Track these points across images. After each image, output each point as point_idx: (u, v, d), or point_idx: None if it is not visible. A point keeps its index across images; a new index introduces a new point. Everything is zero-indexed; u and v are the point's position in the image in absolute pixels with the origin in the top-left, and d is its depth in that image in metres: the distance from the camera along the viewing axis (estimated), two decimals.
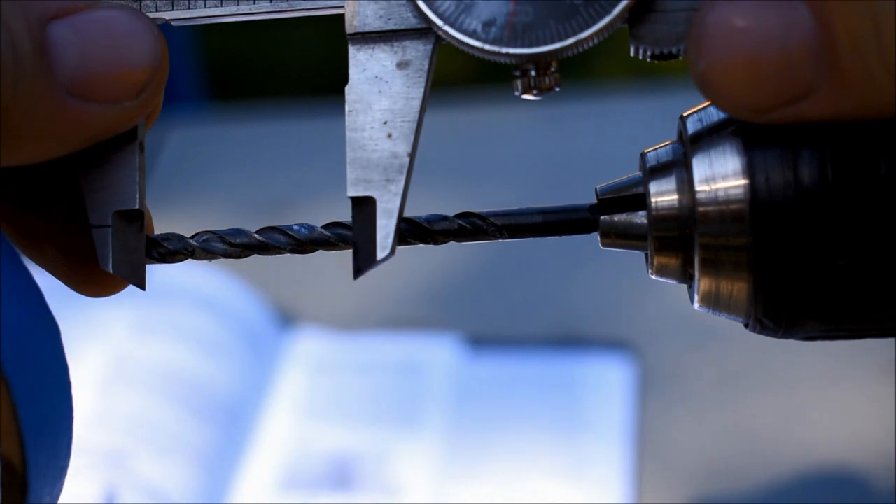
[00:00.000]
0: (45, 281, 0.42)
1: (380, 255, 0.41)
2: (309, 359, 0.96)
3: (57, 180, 0.43)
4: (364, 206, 0.41)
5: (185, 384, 0.91)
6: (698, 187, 0.41)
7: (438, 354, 0.96)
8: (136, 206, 0.42)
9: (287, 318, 0.99)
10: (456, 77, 1.96)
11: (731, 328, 1.03)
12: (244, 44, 2.25)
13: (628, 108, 1.21)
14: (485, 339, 0.97)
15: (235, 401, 0.92)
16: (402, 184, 0.41)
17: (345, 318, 0.99)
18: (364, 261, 0.41)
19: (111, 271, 0.42)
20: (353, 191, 0.42)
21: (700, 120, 0.42)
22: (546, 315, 0.99)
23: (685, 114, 0.42)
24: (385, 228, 0.41)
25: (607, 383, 0.93)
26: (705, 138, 0.41)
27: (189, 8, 0.42)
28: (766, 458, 0.87)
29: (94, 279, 0.44)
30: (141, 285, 0.42)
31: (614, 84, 2.01)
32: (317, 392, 0.94)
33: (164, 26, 0.43)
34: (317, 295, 1.01)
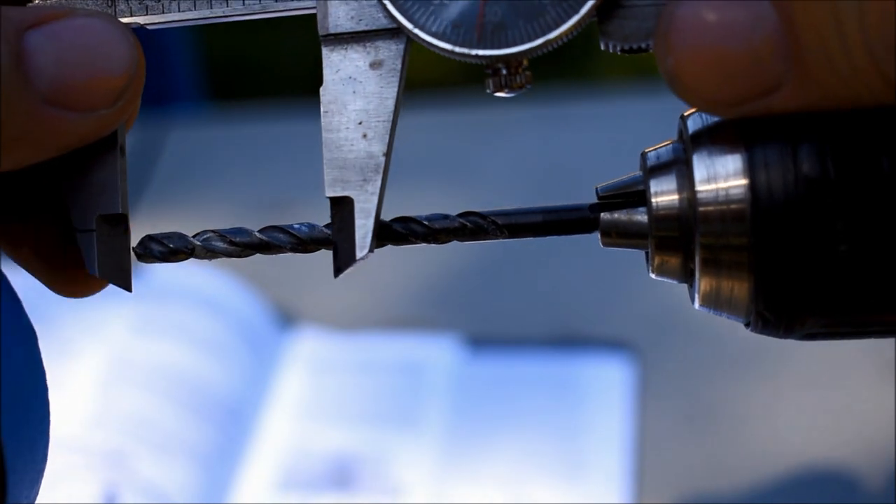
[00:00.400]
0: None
1: (359, 254, 0.42)
2: (309, 359, 0.96)
3: (31, 184, 0.43)
4: (342, 206, 0.42)
5: (185, 384, 0.91)
6: (699, 187, 0.41)
7: (438, 354, 0.96)
8: (119, 210, 0.42)
9: (287, 318, 0.99)
10: (456, 77, 1.96)
11: (731, 328, 1.03)
12: (243, 44, 2.25)
13: (628, 108, 1.21)
14: (485, 339, 0.97)
15: (235, 401, 0.92)
16: (378, 183, 0.42)
17: (345, 318, 0.99)
18: (343, 260, 0.42)
19: (98, 275, 0.42)
20: (331, 191, 0.42)
21: (701, 119, 0.42)
22: (546, 315, 0.99)
23: (686, 113, 0.42)
24: (363, 228, 0.42)
25: (607, 383, 0.93)
26: (706, 138, 0.41)
27: (163, 11, 0.43)
28: (766, 458, 0.87)
29: (71, 280, 0.44)
30: (127, 288, 0.43)
31: (614, 84, 2.01)
32: (317, 392, 0.94)
33: (164, 29, 0.43)
34: (317, 295, 1.01)
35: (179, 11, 0.43)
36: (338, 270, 0.42)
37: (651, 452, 0.88)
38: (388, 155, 0.42)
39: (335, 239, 0.42)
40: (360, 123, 0.42)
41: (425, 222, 0.43)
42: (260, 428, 0.91)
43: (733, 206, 0.40)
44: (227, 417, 0.90)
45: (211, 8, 0.43)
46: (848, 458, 0.86)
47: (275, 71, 2.31)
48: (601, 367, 0.94)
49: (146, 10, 0.43)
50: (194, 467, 0.86)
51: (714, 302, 0.42)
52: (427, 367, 0.96)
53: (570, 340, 0.96)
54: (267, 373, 0.95)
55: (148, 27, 0.43)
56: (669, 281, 0.43)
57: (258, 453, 0.90)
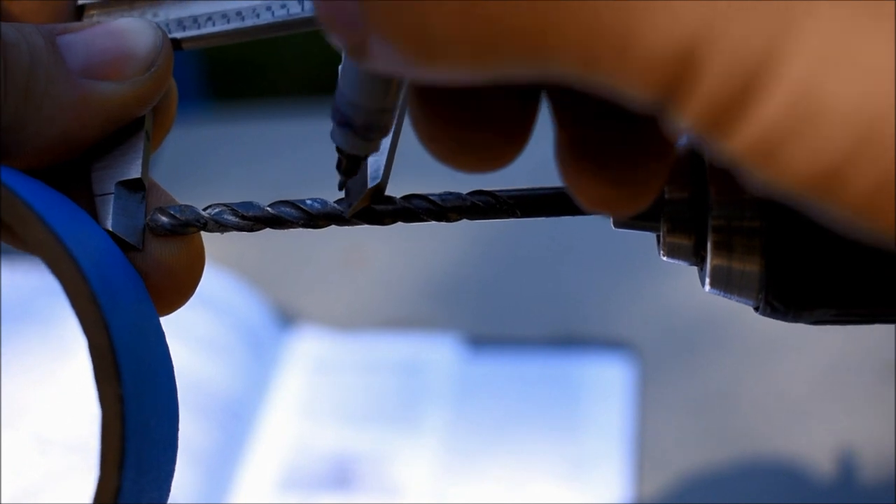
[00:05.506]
0: (40, 278, 0.42)
1: (370, 183, 0.42)
2: (309, 359, 0.96)
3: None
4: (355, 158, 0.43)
5: (185, 384, 0.90)
6: (712, 169, 0.41)
7: (438, 354, 0.96)
8: (139, 176, 0.43)
9: (287, 318, 0.99)
10: None
11: (731, 327, 1.03)
12: (244, 44, 2.25)
13: None
14: (485, 339, 0.97)
15: (236, 401, 0.92)
16: (392, 128, 0.43)
17: (345, 318, 0.99)
18: (354, 196, 0.42)
19: (110, 228, 0.42)
20: None
21: None
22: (546, 315, 0.99)
23: None
24: (376, 164, 0.42)
25: (607, 383, 0.93)
26: None
27: (199, 28, 0.44)
28: (766, 458, 0.87)
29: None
30: (138, 245, 0.43)
31: None
32: (317, 392, 0.94)
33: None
34: (317, 295, 1.01)
35: (214, 26, 0.44)
36: (348, 206, 0.42)
37: (651, 452, 0.88)
38: (402, 106, 0.43)
39: (348, 184, 0.42)
40: None
41: (437, 200, 0.43)
42: (260, 428, 0.91)
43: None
44: (228, 417, 0.90)
45: (243, 20, 0.44)
46: (848, 458, 0.86)
47: (275, 71, 2.31)
48: (601, 367, 0.94)
49: (183, 29, 0.44)
50: (194, 467, 0.86)
51: (724, 284, 0.42)
52: (427, 367, 0.96)
53: (570, 340, 0.96)
54: (267, 373, 0.95)
55: (185, 46, 0.45)
56: (679, 262, 0.43)
57: (258, 453, 0.90)
